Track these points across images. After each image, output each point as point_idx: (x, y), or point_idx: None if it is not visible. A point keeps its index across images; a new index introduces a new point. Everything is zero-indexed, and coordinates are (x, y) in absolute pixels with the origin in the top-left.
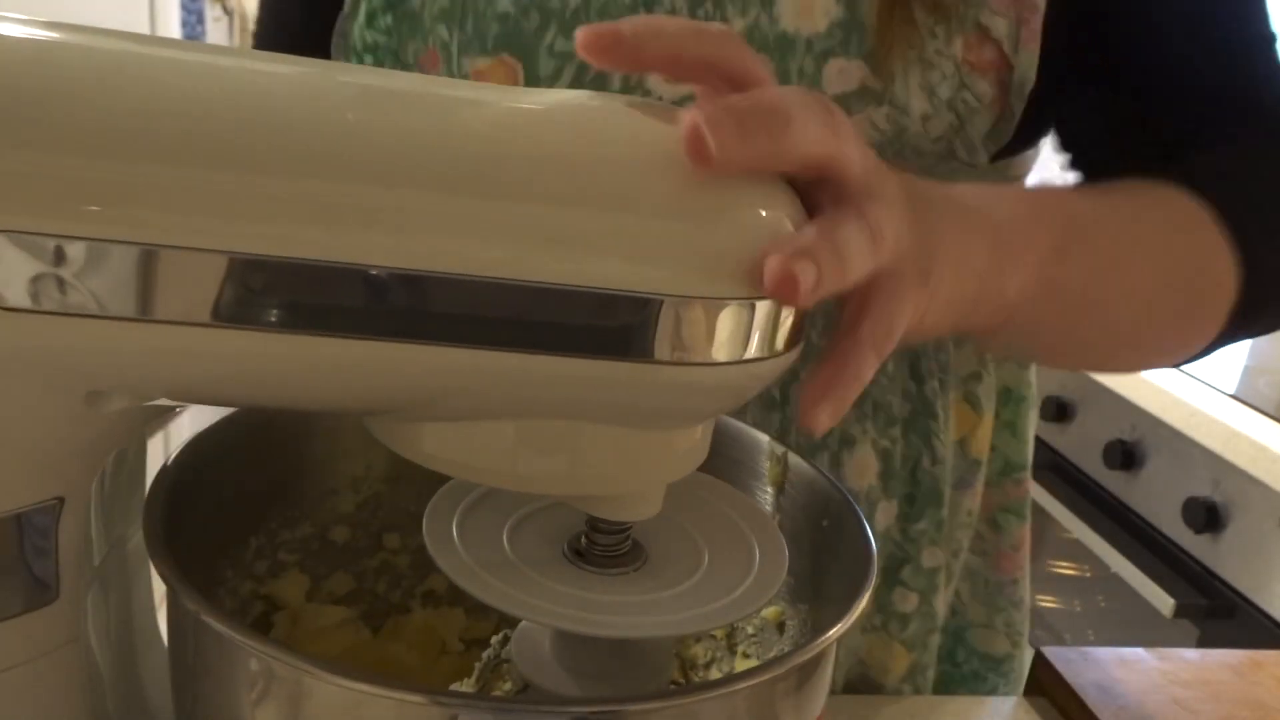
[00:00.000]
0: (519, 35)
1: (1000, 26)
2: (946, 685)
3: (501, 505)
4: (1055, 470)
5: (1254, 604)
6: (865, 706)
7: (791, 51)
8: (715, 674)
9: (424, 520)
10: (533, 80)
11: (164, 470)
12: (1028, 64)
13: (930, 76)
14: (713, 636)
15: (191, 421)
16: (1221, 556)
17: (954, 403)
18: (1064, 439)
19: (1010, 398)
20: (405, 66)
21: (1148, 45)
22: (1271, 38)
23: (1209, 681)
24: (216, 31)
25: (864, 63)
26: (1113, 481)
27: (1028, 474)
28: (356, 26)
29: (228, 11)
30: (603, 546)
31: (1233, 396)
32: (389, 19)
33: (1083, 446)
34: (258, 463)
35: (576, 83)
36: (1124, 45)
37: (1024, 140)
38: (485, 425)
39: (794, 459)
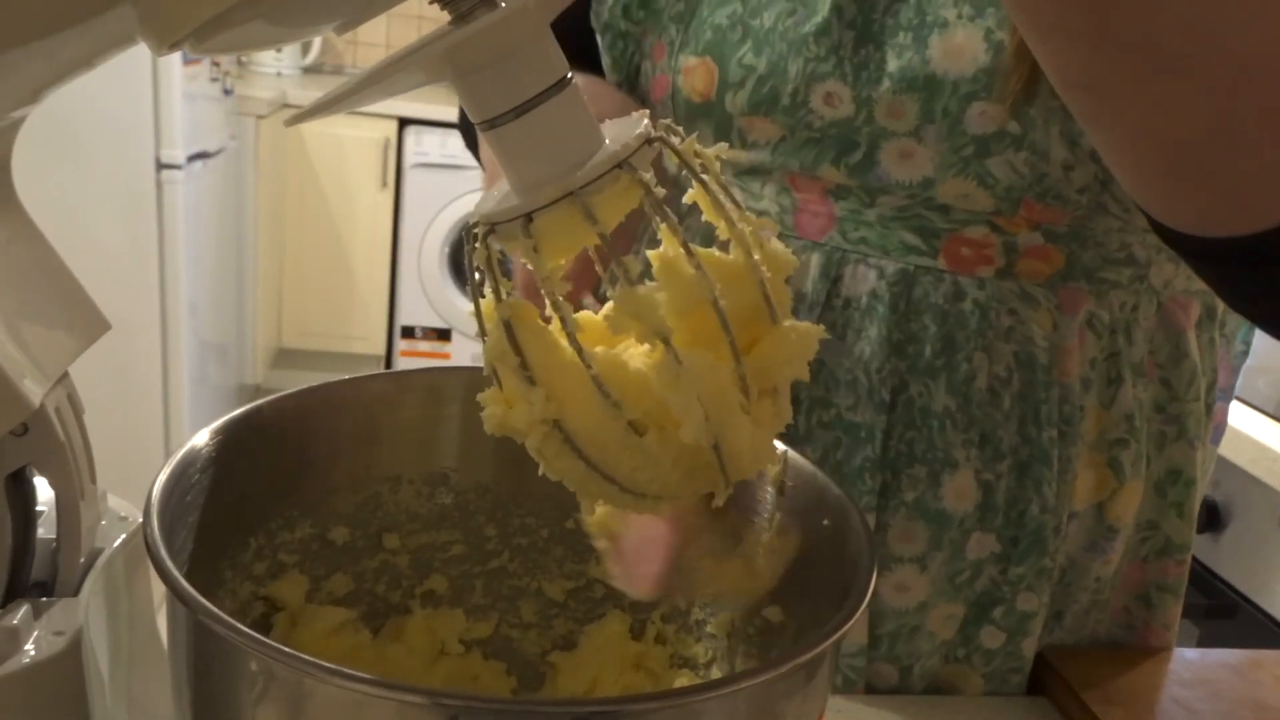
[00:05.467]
0: (722, 45)
1: None
2: None
3: None
4: None
5: (1254, 604)
6: (865, 706)
7: (938, 92)
8: (716, 674)
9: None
10: (723, 83)
11: (164, 472)
12: None
13: (1072, 127)
14: (713, 636)
15: (191, 423)
16: (1221, 556)
17: (1088, 462)
18: None
19: (1179, 479)
20: (643, 53)
21: None
22: None
23: (1209, 681)
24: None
25: (1006, 108)
26: None
27: (1189, 555)
28: (608, 9)
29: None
30: None
31: (1233, 396)
32: (641, 13)
33: None
34: (257, 464)
35: (754, 93)
36: None
37: None
38: None
39: (795, 458)
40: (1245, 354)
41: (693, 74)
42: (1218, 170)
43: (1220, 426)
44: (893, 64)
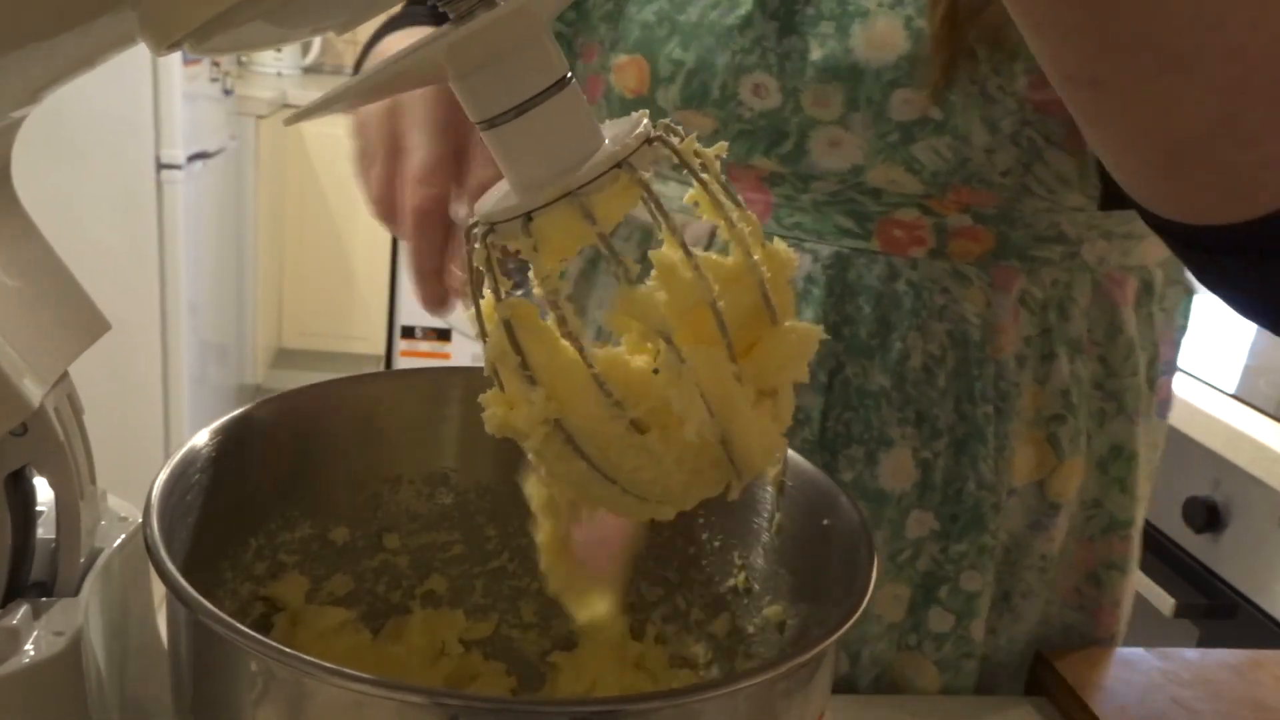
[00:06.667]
0: (650, 42)
1: None
2: None
3: None
4: None
5: (1254, 604)
6: (865, 707)
7: (861, 80)
8: (716, 673)
9: None
10: (654, 79)
11: (164, 472)
12: None
13: (992, 110)
14: (713, 636)
15: (191, 423)
16: (1221, 556)
17: (1025, 439)
18: None
19: (1120, 455)
20: (573, 54)
21: None
22: None
23: (1209, 681)
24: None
25: (927, 95)
26: None
27: (1135, 530)
28: None
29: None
30: None
31: (1233, 396)
32: (571, 14)
33: None
34: (257, 464)
35: (685, 88)
36: None
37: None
38: None
39: (794, 457)
40: (1184, 328)
41: (624, 72)
42: (1217, 164)
43: (1165, 401)
44: (816, 53)
